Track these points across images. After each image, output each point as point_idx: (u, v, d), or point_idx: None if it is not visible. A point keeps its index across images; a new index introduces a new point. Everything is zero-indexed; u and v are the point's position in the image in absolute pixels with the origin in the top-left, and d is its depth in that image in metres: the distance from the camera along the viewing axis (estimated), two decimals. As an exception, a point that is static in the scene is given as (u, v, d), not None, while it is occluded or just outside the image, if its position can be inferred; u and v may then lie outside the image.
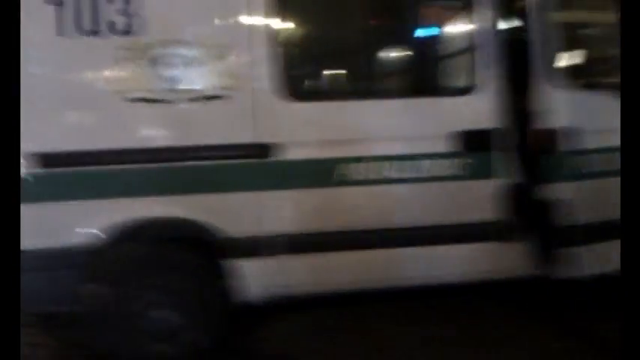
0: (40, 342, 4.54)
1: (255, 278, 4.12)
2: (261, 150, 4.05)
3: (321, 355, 4.26)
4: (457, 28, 4.37)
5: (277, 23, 4.10)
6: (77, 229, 3.94)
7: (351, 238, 4.17)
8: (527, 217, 4.32)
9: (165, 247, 4.10)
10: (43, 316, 4.66)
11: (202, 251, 4.09)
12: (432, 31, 4.39)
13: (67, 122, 3.94)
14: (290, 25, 4.24)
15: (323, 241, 4.14)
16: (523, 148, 4.30)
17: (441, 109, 4.26)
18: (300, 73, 4.33)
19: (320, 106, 4.20)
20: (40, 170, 3.88)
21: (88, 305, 3.99)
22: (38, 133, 3.87)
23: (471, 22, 4.26)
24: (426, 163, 4.20)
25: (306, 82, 4.42)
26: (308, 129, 4.10)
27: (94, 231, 3.94)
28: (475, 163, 4.24)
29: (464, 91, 4.26)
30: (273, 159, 4.05)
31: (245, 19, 4.06)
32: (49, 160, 3.89)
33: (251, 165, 4.06)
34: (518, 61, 4.28)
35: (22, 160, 3.80)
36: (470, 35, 4.28)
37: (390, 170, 4.17)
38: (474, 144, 4.21)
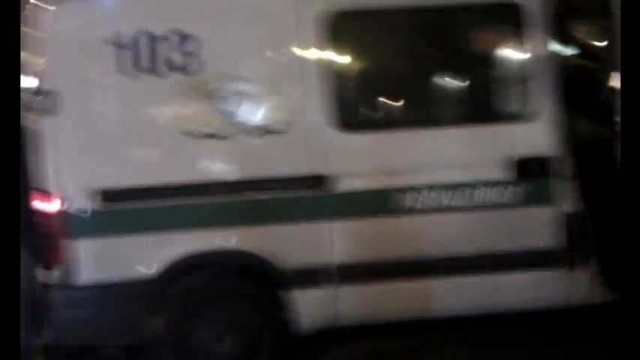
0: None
1: (312, 308, 4.15)
2: (316, 181, 4.08)
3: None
4: (514, 54, 4.33)
5: (328, 55, 4.15)
6: (138, 262, 4.04)
7: (408, 268, 4.16)
8: (588, 244, 4.24)
9: (224, 278, 4.17)
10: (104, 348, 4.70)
11: (260, 282, 4.14)
12: (488, 58, 4.35)
13: (127, 158, 4.06)
14: (341, 56, 4.27)
15: (379, 270, 4.14)
16: (581, 174, 4.24)
17: (497, 136, 4.23)
18: (353, 104, 4.35)
19: (374, 136, 4.22)
20: (101, 205, 3.99)
21: (150, 337, 4.08)
22: (101, 170, 4.01)
23: (528, 48, 4.23)
24: (483, 190, 4.16)
25: (360, 113, 4.42)
26: (363, 159, 4.13)
27: (155, 264, 4.03)
28: (533, 190, 4.18)
29: (521, 117, 4.22)
30: (328, 190, 4.09)
31: (296, 53, 4.12)
32: (110, 195, 4.00)
33: (307, 196, 4.10)
34: (575, 88, 4.23)
35: (85, 196, 3.96)
36: (526, 62, 4.24)
37: (447, 198, 4.15)
38: (532, 171, 4.16)
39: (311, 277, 4.11)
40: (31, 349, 4.60)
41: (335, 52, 4.18)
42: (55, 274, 4.03)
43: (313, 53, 4.12)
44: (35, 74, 3.98)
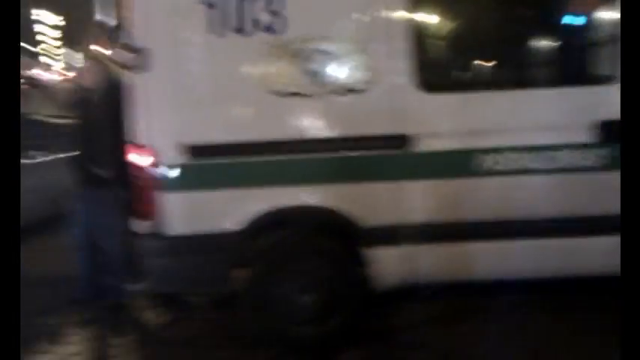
0: (185, 323, 4.85)
1: (392, 266, 4.23)
2: (399, 141, 4.12)
3: (456, 343, 4.31)
4: (602, 16, 4.25)
5: (415, 15, 4.15)
6: (226, 216, 4.17)
7: (487, 229, 4.18)
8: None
9: (307, 234, 4.27)
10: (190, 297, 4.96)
11: (342, 239, 4.23)
12: (576, 19, 4.28)
13: (215, 115, 4.16)
14: (428, 17, 4.27)
15: (458, 230, 4.19)
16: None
17: (583, 99, 4.17)
18: (438, 65, 4.36)
19: (457, 97, 4.21)
20: (191, 161, 4.13)
21: (236, 288, 4.23)
22: (190, 126, 4.14)
23: (615, 9, 4.14)
24: (567, 153, 4.14)
25: (444, 74, 4.43)
26: (445, 120, 4.14)
27: (242, 218, 4.16)
28: (617, 154, 4.13)
29: (607, 79, 4.14)
30: (411, 150, 4.13)
31: (383, 13, 4.13)
32: (199, 150, 4.14)
33: (389, 155, 4.15)
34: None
35: (174, 151, 4.10)
36: (614, 24, 4.15)
37: (529, 161, 4.14)
38: (616, 134, 4.10)
39: (391, 235, 4.18)
40: (126, 295, 4.95)
41: (420, 11, 4.18)
42: (146, 225, 4.21)
43: (399, 12, 4.12)
44: (129, 32, 4.11)
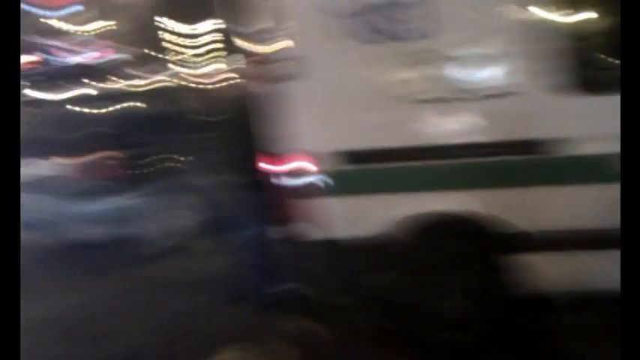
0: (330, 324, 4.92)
1: (541, 272, 4.15)
2: (550, 145, 4.03)
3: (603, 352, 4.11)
4: None
5: (566, 17, 4.06)
6: (371, 221, 4.26)
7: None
8: None
9: (451, 239, 4.28)
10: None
11: (486, 245, 4.20)
12: None
13: (368, 122, 4.25)
14: (578, 17, 4.15)
15: (604, 238, 3.98)
16: None
17: None
18: (588, 67, 4.19)
19: (612, 99, 4.01)
20: (342, 166, 4.25)
21: (383, 291, 4.31)
22: (343, 133, 4.26)
23: None
24: None
25: (597, 75, 4.25)
26: (596, 123, 4.00)
27: (391, 222, 4.24)
28: None
29: None
30: (559, 154, 4.02)
31: (533, 15, 4.06)
32: (353, 157, 4.25)
33: (540, 160, 4.07)
34: None
35: (327, 157, 4.24)
36: None
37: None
38: None
39: (535, 241, 4.10)
40: (269, 297, 5.13)
41: (572, 13, 4.08)
42: (297, 229, 4.36)
43: (550, 14, 4.04)
44: (285, 41, 4.25)
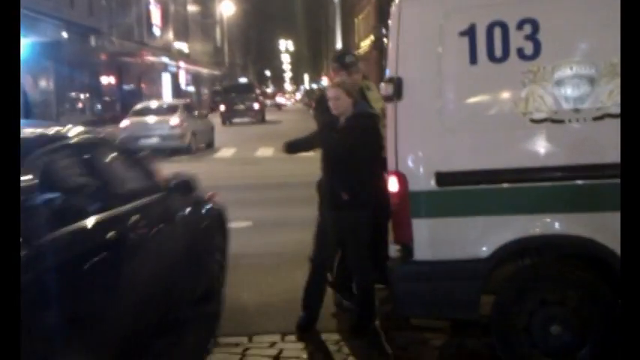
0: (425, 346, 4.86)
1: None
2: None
3: None
4: None
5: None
6: (470, 243, 4.16)
7: None
8: None
9: (555, 263, 4.20)
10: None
11: (599, 270, 4.07)
12: None
13: (465, 142, 4.16)
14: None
15: None
16: None
17: None
18: None
19: None
20: (439, 187, 4.14)
21: (484, 315, 4.19)
22: (440, 153, 4.16)
23: None
24: None
25: None
26: None
27: (486, 246, 4.12)
28: None
29: None
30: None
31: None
32: (447, 177, 4.14)
33: None
34: None
35: (424, 177, 4.14)
36: None
37: None
38: None
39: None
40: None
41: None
42: (397, 249, 4.28)
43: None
44: (390, 62, 4.20)
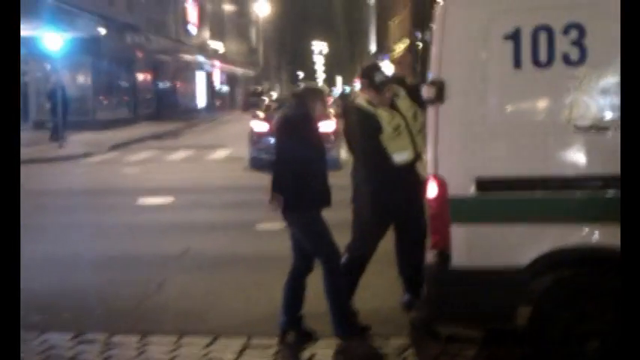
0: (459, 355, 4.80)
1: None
2: None
3: None
4: None
5: None
6: (507, 252, 4.08)
7: None
8: None
9: (594, 275, 4.08)
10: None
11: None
12: None
13: (505, 149, 4.10)
14: None
15: None
16: None
17: None
18: None
19: None
20: (477, 193, 4.07)
21: (521, 325, 4.10)
22: (479, 159, 4.08)
23: None
24: None
25: None
26: None
27: (524, 255, 4.04)
28: None
29: None
30: None
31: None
32: (486, 184, 4.07)
33: None
34: None
35: (463, 183, 4.07)
36: None
37: None
38: None
39: None
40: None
41: None
42: (431, 255, 4.21)
43: None
44: (433, 64, 4.14)
